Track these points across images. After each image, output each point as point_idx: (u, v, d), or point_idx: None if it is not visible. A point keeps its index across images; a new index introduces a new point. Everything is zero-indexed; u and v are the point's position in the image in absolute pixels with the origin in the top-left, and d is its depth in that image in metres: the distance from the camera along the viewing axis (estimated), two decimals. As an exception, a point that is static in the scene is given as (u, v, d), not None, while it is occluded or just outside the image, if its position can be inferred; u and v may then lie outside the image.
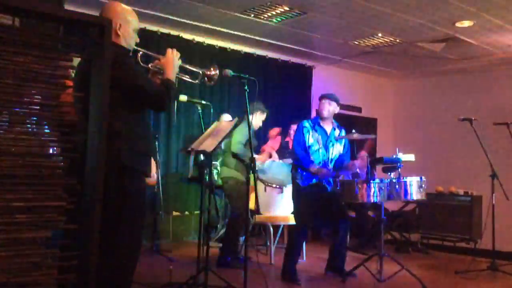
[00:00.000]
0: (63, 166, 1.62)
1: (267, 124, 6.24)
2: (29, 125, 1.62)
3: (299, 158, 4.75)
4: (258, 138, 6.49)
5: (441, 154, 8.86)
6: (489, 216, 5.50)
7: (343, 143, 4.94)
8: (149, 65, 2.93)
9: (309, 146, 4.76)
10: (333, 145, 4.85)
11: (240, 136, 5.10)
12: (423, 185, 4.68)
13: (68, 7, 4.76)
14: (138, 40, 2.82)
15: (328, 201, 4.81)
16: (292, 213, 5.25)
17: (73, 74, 2.28)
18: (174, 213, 6.84)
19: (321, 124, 4.85)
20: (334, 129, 4.91)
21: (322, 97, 4.91)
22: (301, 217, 4.82)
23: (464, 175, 8.04)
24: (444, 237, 7.24)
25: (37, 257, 1.58)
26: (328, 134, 4.85)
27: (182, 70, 2.98)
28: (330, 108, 4.82)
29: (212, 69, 3.16)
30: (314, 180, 4.75)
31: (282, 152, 6.69)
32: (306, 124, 4.85)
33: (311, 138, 4.78)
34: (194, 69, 3.14)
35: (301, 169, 4.75)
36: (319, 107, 4.92)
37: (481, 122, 5.57)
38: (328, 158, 4.82)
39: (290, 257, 4.78)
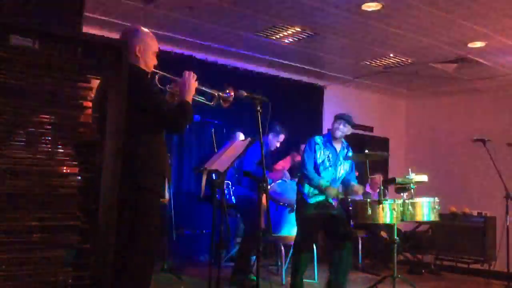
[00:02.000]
0: (79, 186, 1.64)
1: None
2: (45, 145, 1.65)
3: (308, 173, 4.65)
4: (276, 158, 6.49)
5: (454, 174, 8.78)
6: (503, 237, 5.43)
7: (349, 163, 4.89)
8: (167, 87, 2.96)
9: (320, 164, 4.69)
10: (341, 163, 4.78)
11: (253, 156, 5.11)
12: (436, 206, 4.65)
13: (86, 29, 4.85)
14: (156, 63, 2.87)
15: (332, 222, 4.69)
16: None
17: (91, 95, 2.32)
18: (186, 232, 6.82)
19: (333, 142, 4.79)
20: (344, 148, 4.86)
21: (337, 118, 4.81)
22: (303, 237, 4.70)
23: (478, 196, 7.96)
24: (458, 259, 7.14)
25: (51, 276, 1.59)
26: (338, 152, 4.81)
27: (198, 92, 3.00)
28: (344, 130, 4.76)
29: (228, 91, 3.19)
30: (321, 198, 4.66)
31: (293, 172, 6.68)
32: (318, 140, 4.77)
33: (322, 156, 4.71)
34: (211, 91, 3.16)
35: (309, 185, 4.69)
36: (332, 127, 4.85)
37: (494, 142, 5.53)
38: (336, 176, 4.78)
39: (295, 279, 4.68)
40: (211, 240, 4.20)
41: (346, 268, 4.71)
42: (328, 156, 4.71)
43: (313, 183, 4.63)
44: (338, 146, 4.81)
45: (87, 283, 1.61)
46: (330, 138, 4.80)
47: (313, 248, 5.19)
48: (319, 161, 4.69)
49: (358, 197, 6.54)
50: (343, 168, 4.80)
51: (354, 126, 4.84)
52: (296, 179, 6.21)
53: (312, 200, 4.67)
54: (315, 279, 5.68)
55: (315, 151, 4.71)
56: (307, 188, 4.68)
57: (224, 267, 5.19)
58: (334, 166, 4.73)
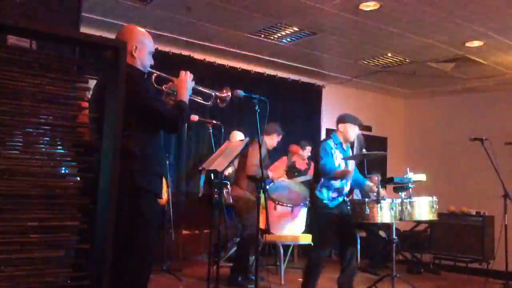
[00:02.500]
0: (77, 186, 1.64)
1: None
2: (43, 146, 1.64)
3: (328, 169, 4.51)
4: (273, 158, 6.50)
5: (452, 173, 8.79)
6: (501, 236, 5.44)
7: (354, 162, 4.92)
8: (163, 87, 2.96)
9: (337, 168, 4.65)
10: (348, 164, 4.82)
11: (255, 158, 5.09)
12: (435, 205, 4.65)
13: (84, 29, 4.85)
14: (153, 63, 2.87)
15: (346, 221, 4.72)
16: (310, 234, 5.19)
17: (88, 96, 2.32)
18: (184, 232, 6.82)
19: (343, 145, 4.77)
20: (348, 148, 4.87)
21: (350, 121, 4.72)
22: (326, 240, 4.72)
23: (476, 195, 7.96)
24: (456, 258, 7.15)
25: (50, 277, 1.59)
26: (347, 153, 4.82)
27: (195, 91, 3.01)
28: (357, 132, 4.76)
29: (224, 91, 3.19)
30: (340, 199, 4.68)
31: (290, 171, 6.68)
32: (332, 145, 4.70)
33: (337, 159, 4.68)
34: (207, 91, 3.16)
35: (327, 189, 4.64)
36: (342, 130, 4.73)
37: (492, 141, 5.54)
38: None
39: (310, 280, 4.66)
40: (210, 240, 4.20)
41: (355, 265, 4.79)
42: (341, 159, 4.73)
43: (332, 174, 4.54)
44: (345, 147, 4.84)
45: (86, 284, 1.61)
46: (339, 141, 4.74)
47: (330, 250, 5.21)
48: (336, 164, 4.64)
49: (356, 196, 6.57)
50: (352, 166, 4.84)
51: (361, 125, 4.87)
52: (298, 179, 6.23)
53: (333, 204, 4.66)
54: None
55: (332, 155, 4.65)
56: (325, 193, 4.65)
57: (223, 267, 5.19)
58: (346, 167, 4.75)
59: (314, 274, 4.70)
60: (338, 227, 4.72)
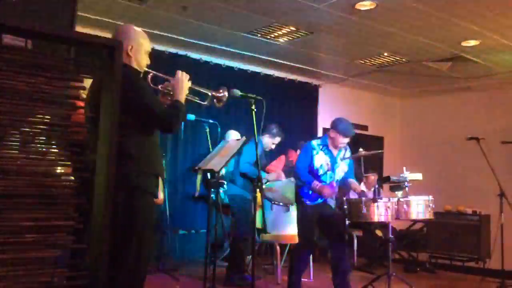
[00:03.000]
0: (73, 186, 1.63)
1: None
2: (39, 145, 1.64)
3: (300, 177, 4.65)
4: (271, 158, 6.50)
5: (449, 173, 8.82)
6: (497, 235, 5.45)
7: (347, 162, 4.88)
8: (159, 87, 2.95)
9: (317, 169, 4.65)
10: (338, 166, 4.76)
11: (248, 155, 5.11)
12: (431, 204, 4.66)
13: (79, 28, 4.83)
14: (149, 62, 2.86)
15: (330, 222, 4.71)
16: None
17: (84, 95, 2.32)
18: (181, 232, 6.82)
19: (329, 147, 4.72)
20: (341, 150, 4.80)
21: (338, 130, 4.62)
22: (303, 237, 4.74)
23: (472, 194, 7.99)
24: (453, 257, 7.17)
25: (46, 277, 1.58)
26: (335, 155, 4.77)
27: (191, 91, 3.00)
28: (345, 141, 4.69)
29: (221, 90, 3.18)
30: (320, 200, 4.68)
31: (288, 171, 6.68)
32: (314, 145, 4.71)
33: (320, 160, 4.66)
34: (204, 91, 3.16)
35: (307, 188, 4.71)
36: (332, 136, 4.69)
37: (488, 141, 5.55)
38: (335, 179, 4.77)
39: (293, 277, 4.69)
40: (206, 239, 4.19)
41: (345, 264, 4.71)
42: (326, 161, 4.69)
43: (307, 185, 4.62)
44: (335, 150, 4.78)
45: (82, 284, 1.60)
46: (326, 143, 4.72)
47: (312, 249, 5.19)
48: (316, 166, 4.65)
49: (353, 196, 6.57)
50: (342, 170, 4.79)
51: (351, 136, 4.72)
52: (291, 179, 6.23)
53: (311, 203, 4.68)
54: (310, 278, 5.69)
55: (311, 155, 4.67)
56: (305, 191, 4.68)
57: (219, 266, 5.19)
58: (332, 170, 4.72)
59: (296, 271, 4.69)
60: (321, 227, 4.72)
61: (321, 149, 4.70)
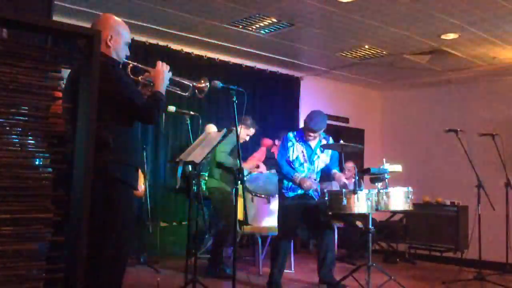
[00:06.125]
0: (50, 178, 1.61)
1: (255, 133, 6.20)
2: (15, 136, 1.61)
3: (281, 170, 4.72)
4: (245, 151, 6.48)
5: (428, 164, 8.93)
6: (475, 226, 5.54)
7: (329, 154, 4.91)
8: (139, 78, 2.92)
9: (293, 161, 4.70)
10: (318, 157, 4.79)
11: (224, 145, 5.09)
12: (410, 196, 4.70)
13: (57, 18, 4.75)
14: (129, 53, 2.82)
15: (313, 212, 4.78)
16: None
17: (62, 85, 2.28)
18: (162, 224, 6.79)
19: (305, 138, 4.75)
20: (320, 140, 4.81)
21: (310, 124, 4.64)
22: (283, 228, 4.78)
23: (451, 185, 8.10)
24: (431, 247, 7.28)
25: (23, 270, 1.56)
26: (313, 147, 4.79)
27: (172, 82, 2.97)
28: (316, 135, 4.73)
29: (202, 81, 3.16)
30: (300, 191, 4.72)
31: (269, 162, 6.69)
32: (291, 137, 4.77)
33: (296, 152, 4.72)
34: (184, 82, 3.13)
35: (287, 180, 4.73)
36: (306, 127, 4.72)
37: (467, 133, 5.62)
38: (314, 171, 4.79)
39: (274, 269, 4.73)
40: (187, 232, 4.18)
41: (332, 255, 4.85)
42: (303, 152, 4.72)
43: (287, 177, 4.67)
44: (313, 142, 4.79)
45: (60, 276, 1.59)
46: (302, 134, 4.77)
47: (292, 239, 5.24)
48: (292, 157, 4.71)
49: (335, 187, 6.61)
50: (322, 161, 4.82)
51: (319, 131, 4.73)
52: (272, 170, 6.25)
53: (291, 194, 4.73)
54: (291, 269, 5.72)
55: (287, 147, 4.74)
56: (285, 183, 4.74)
57: (200, 258, 5.19)
58: (310, 161, 4.75)
59: (277, 263, 4.74)
60: (306, 218, 4.76)
61: (297, 141, 4.75)
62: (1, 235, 1.53)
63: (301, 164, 4.72)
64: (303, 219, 4.80)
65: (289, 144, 4.74)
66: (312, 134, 4.68)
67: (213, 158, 5.31)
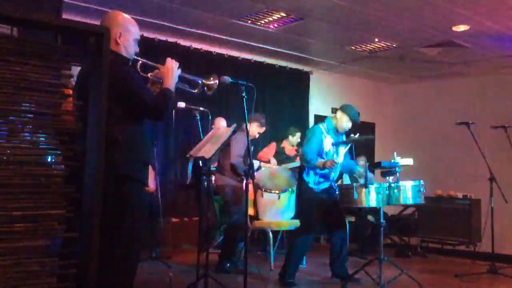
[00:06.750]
0: (62, 175, 1.62)
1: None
2: (28, 134, 1.62)
3: (308, 159, 4.60)
4: (255, 146, 6.50)
5: (439, 158, 8.86)
6: (488, 219, 5.50)
7: (346, 147, 4.94)
8: (149, 75, 2.92)
9: (327, 152, 4.71)
10: (340, 150, 4.86)
11: (240, 147, 5.08)
12: (422, 189, 4.68)
13: (66, 15, 4.77)
14: (138, 50, 2.82)
15: (336, 206, 4.82)
16: (298, 218, 5.23)
17: (72, 83, 2.29)
18: (173, 220, 6.82)
19: (336, 131, 4.82)
20: (342, 134, 4.91)
21: (345, 113, 4.77)
22: (311, 224, 4.77)
23: (463, 178, 8.04)
24: (444, 241, 7.23)
25: (36, 266, 1.58)
26: (337, 140, 4.84)
27: (181, 79, 2.97)
28: (349, 126, 4.79)
29: (211, 78, 3.15)
30: (327, 184, 4.73)
31: (279, 157, 6.69)
32: (322, 128, 4.77)
33: (328, 144, 4.73)
34: (194, 78, 3.13)
35: (314, 173, 4.70)
36: (340, 119, 4.79)
37: (478, 126, 5.57)
38: (339, 163, 4.84)
39: (291, 265, 4.71)
40: (198, 227, 4.20)
41: (346, 249, 4.93)
42: (332, 144, 4.76)
43: (312, 164, 4.61)
44: (337, 134, 4.86)
45: (73, 272, 1.60)
46: (332, 126, 4.80)
47: (316, 233, 5.29)
48: (326, 150, 4.71)
49: (346, 182, 6.61)
50: (342, 153, 4.89)
51: (356, 124, 4.84)
52: (283, 165, 6.24)
53: (319, 188, 4.72)
54: (303, 264, 5.71)
55: (321, 139, 4.71)
56: (312, 176, 4.71)
57: (212, 253, 5.20)
58: (336, 152, 4.81)
59: (296, 258, 4.75)
60: (325, 212, 4.75)
61: (328, 133, 4.77)
62: (14, 232, 1.54)
63: (331, 156, 4.74)
64: (326, 213, 4.78)
65: (322, 136, 4.73)
66: (349, 126, 4.77)
67: (225, 156, 5.29)
